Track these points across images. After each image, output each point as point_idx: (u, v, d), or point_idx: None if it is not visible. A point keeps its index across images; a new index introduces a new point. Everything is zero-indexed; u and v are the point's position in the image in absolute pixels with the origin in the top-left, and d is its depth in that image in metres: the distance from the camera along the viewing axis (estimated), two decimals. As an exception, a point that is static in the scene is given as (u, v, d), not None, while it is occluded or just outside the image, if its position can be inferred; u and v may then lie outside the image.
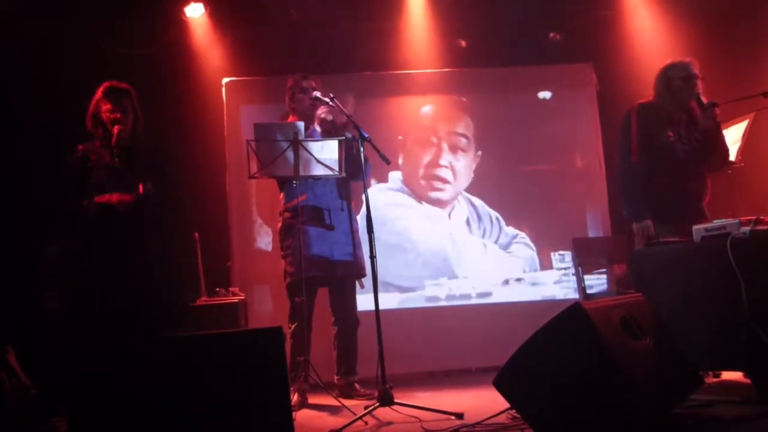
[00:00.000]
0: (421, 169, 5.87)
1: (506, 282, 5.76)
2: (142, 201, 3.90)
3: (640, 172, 4.18)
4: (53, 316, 4.55)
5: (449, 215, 5.84)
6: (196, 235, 5.22)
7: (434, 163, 5.88)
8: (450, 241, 5.79)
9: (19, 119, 5.14)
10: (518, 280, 5.78)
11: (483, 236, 5.83)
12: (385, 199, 5.76)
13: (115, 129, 3.86)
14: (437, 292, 5.70)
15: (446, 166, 5.87)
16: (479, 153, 5.90)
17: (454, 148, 5.91)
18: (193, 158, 5.39)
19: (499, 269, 5.80)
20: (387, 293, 5.49)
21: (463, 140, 5.92)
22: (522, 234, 5.85)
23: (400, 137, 5.88)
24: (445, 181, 5.86)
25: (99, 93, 4.03)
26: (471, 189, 5.90)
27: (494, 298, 5.73)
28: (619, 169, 4.31)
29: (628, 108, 4.32)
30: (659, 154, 4.18)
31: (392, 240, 5.69)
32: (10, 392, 4.03)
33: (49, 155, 4.91)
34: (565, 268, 5.74)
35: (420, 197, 5.85)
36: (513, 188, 5.89)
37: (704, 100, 4.12)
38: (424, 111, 5.97)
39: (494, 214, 5.88)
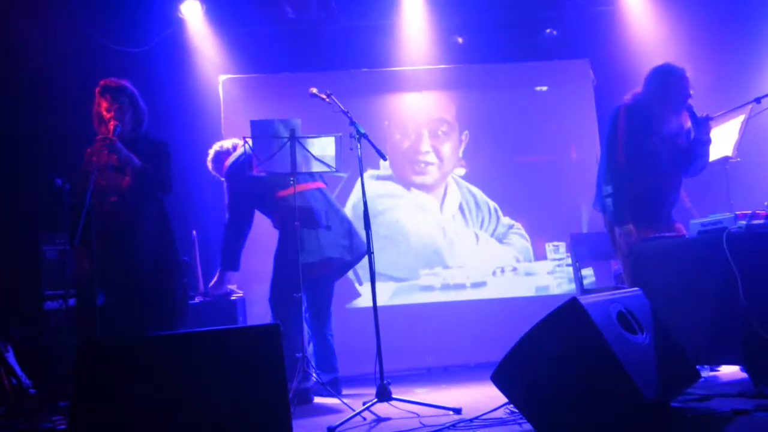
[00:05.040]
0: (404, 156, 5.90)
1: (501, 271, 5.78)
2: (138, 175, 3.91)
3: (626, 175, 4.10)
4: (53, 315, 4.56)
5: (441, 204, 5.86)
6: (194, 232, 5.23)
7: (416, 150, 5.91)
8: (441, 232, 5.81)
9: (17, 119, 5.14)
10: (513, 269, 5.80)
11: (481, 226, 5.86)
12: (376, 190, 5.78)
13: (111, 125, 3.86)
14: (432, 281, 5.73)
15: (428, 151, 5.90)
16: (466, 133, 5.92)
17: (434, 134, 5.93)
18: (191, 156, 5.39)
19: (493, 259, 5.84)
20: (381, 283, 5.50)
21: (445, 125, 5.94)
22: (518, 225, 5.89)
23: (386, 122, 5.89)
24: (428, 164, 5.89)
25: (96, 92, 4.03)
26: (469, 178, 5.93)
27: (489, 289, 5.77)
28: (605, 169, 4.20)
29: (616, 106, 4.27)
30: (643, 159, 4.12)
31: (384, 231, 5.70)
32: (10, 391, 4.04)
33: (48, 154, 4.93)
34: (559, 259, 5.78)
35: (408, 184, 5.88)
36: (510, 180, 5.93)
37: (698, 113, 4.11)
38: (406, 102, 5.99)
39: (492, 204, 5.91)
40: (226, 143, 4.87)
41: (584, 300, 2.78)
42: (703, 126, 4.12)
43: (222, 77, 5.79)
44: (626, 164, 4.12)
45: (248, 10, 5.88)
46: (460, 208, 5.87)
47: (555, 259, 5.81)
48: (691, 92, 4.14)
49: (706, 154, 4.24)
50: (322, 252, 4.43)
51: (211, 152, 4.87)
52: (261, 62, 5.91)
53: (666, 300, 3.49)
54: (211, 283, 4.77)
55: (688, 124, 4.18)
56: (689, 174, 4.30)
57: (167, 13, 5.75)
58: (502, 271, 5.81)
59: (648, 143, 4.14)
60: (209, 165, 4.88)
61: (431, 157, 5.90)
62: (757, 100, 4.15)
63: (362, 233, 4.07)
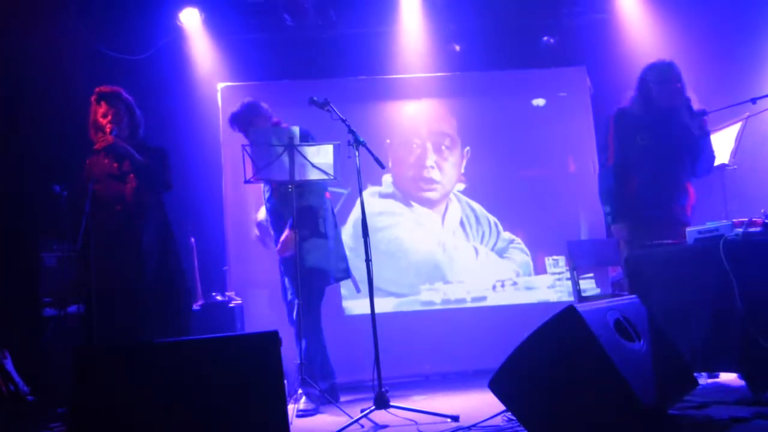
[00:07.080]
0: (409, 171, 5.89)
1: (501, 285, 5.78)
2: (140, 170, 3.91)
3: (617, 175, 4.22)
4: (51, 321, 4.56)
5: (442, 219, 5.85)
6: (193, 239, 5.24)
7: (421, 165, 5.90)
8: (441, 247, 5.81)
9: (17, 125, 5.15)
10: (513, 284, 5.80)
11: (481, 241, 5.85)
12: (376, 207, 5.76)
13: (107, 128, 3.87)
14: (432, 297, 5.72)
15: (432, 167, 5.89)
16: (467, 149, 5.92)
17: (438, 148, 5.93)
18: (189, 163, 5.40)
19: (493, 273, 5.82)
20: (381, 299, 5.49)
21: (447, 139, 5.94)
22: (518, 239, 5.88)
23: (387, 141, 5.89)
24: (432, 181, 5.89)
25: (92, 101, 4.04)
26: (469, 193, 5.92)
27: (489, 302, 5.75)
28: (598, 173, 4.36)
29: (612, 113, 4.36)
30: (634, 157, 4.21)
31: (384, 248, 5.69)
32: (8, 398, 4.03)
33: (48, 160, 4.93)
34: (559, 273, 5.77)
35: (410, 198, 5.87)
36: (509, 193, 5.92)
37: (695, 106, 4.15)
38: (406, 113, 5.98)
39: (492, 218, 5.89)
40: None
41: (581, 308, 2.79)
42: (696, 119, 4.15)
43: (220, 85, 5.80)
44: (616, 165, 4.22)
45: (246, 18, 5.90)
46: (461, 223, 5.87)
47: (555, 273, 5.80)
48: (683, 85, 4.17)
49: (706, 148, 4.25)
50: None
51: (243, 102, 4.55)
52: (259, 70, 5.92)
53: (663, 307, 3.50)
54: (282, 238, 4.40)
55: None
56: (696, 172, 4.31)
57: (166, 21, 5.77)
58: (503, 285, 5.80)
59: (637, 141, 4.20)
60: (233, 112, 4.52)
61: (435, 174, 5.89)
62: (755, 101, 4.18)
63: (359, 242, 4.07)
